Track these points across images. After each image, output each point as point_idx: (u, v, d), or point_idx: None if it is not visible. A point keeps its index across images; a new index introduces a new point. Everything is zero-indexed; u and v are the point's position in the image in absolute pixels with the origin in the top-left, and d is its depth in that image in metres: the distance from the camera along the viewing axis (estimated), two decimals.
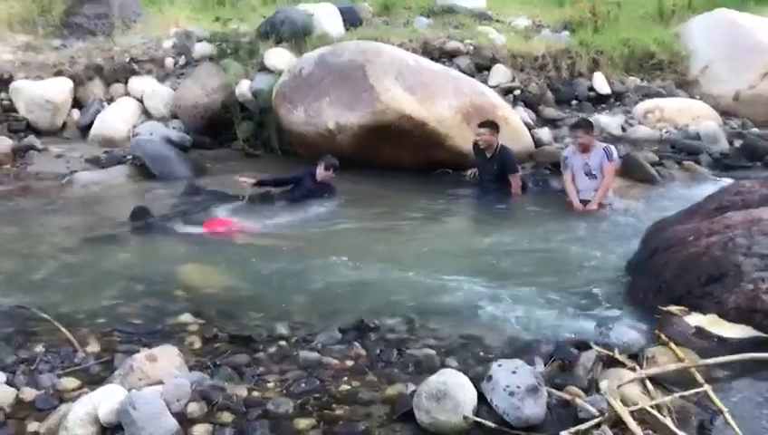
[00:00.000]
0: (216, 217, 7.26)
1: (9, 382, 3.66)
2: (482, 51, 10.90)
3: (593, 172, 7.58)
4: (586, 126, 7.91)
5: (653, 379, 3.53)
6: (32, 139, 9.75)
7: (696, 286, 4.37)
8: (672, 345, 3.84)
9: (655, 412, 3.19)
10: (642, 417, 3.19)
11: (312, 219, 7.42)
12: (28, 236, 6.82)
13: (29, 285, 5.46)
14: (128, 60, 10.73)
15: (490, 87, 10.02)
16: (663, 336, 3.97)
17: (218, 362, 3.99)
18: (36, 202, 7.91)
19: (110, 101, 10.51)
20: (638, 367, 3.62)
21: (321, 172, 7.88)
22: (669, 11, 12.48)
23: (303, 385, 3.69)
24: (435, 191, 8.25)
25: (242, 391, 3.56)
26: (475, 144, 8.29)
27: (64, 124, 10.29)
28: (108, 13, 11.61)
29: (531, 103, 10.32)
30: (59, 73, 10.39)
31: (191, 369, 3.78)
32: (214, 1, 13.48)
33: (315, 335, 4.46)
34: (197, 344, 4.37)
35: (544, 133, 9.67)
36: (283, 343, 4.38)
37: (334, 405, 3.49)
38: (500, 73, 10.61)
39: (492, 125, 8.21)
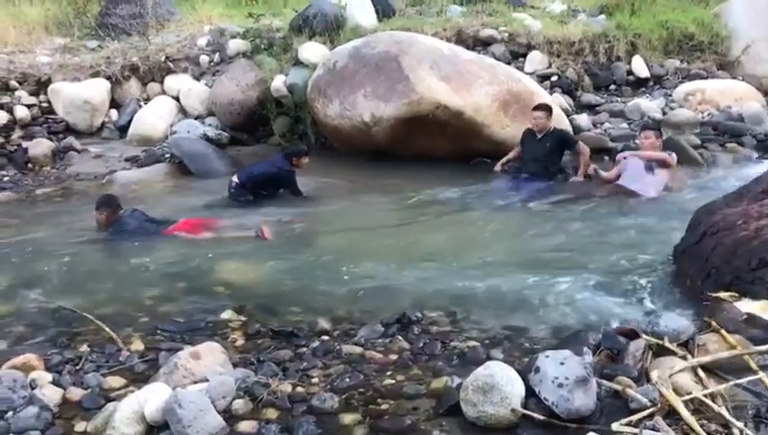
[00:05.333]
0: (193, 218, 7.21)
1: (56, 382, 3.69)
2: (517, 38, 10.78)
3: (653, 168, 7.45)
4: (657, 129, 7.99)
5: (705, 367, 3.43)
6: (71, 140, 9.86)
7: (747, 271, 4.25)
8: (723, 332, 3.74)
9: (709, 401, 3.11)
10: (696, 406, 3.11)
11: (348, 213, 7.42)
12: (70, 238, 6.89)
13: (72, 286, 5.53)
14: (163, 59, 10.78)
15: (526, 74, 9.91)
16: (714, 323, 3.87)
17: (262, 358, 3.99)
18: (77, 203, 8.00)
19: (147, 100, 10.58)
20: (689, 355, 3.53)
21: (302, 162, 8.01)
22: None
23: (348, 380, 3.65)
24: (473, 180, 8.17)
25: (286, 387, 3.54)
26: (528, 129, 8.32)
27: (102, 124, 10.36)
28: (142, 12, 11.68)
29: (568, 89, 10.20)
30: (96, 74, 10.48)
31: (235, 365, 3.77)
32: None
33: (358, 329, 4.46)
34: (240, 341, 4.39)
35: (583, 119, 9.55)
36: (325, 337, 4.37)
37: (379, 400, 3.45)
38: (536, 60, 10.49)
39: (547, 108, 8.29)
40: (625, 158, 7.79)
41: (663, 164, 7.52)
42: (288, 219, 7.17)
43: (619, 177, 7.70)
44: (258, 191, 7.86)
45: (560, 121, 8.88)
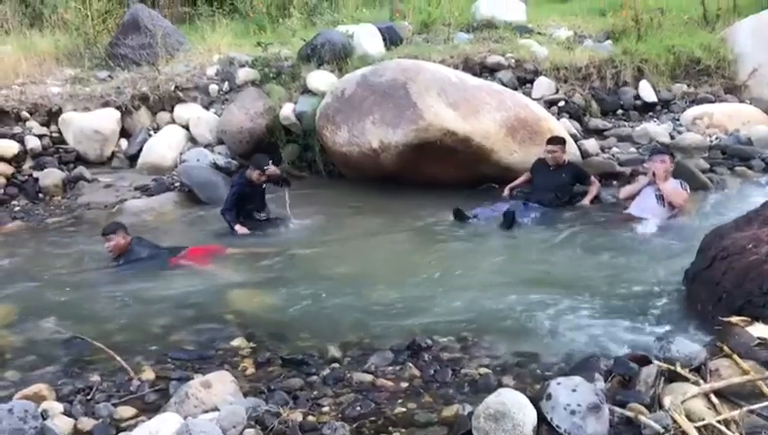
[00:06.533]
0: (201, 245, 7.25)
1: (67, 412, 3.69)
2: (524, 64, 10.83)
3: (665, 200, 7.42)
4: (669, 153, 7.89)
5: (718, 393, 3.41)
6: (81, 169, 9.90)
7: (758, 296, 4.23)
8: (736, 357, 3.72)
9: (722, 428, 3.09)
10: (709, 433, 3.08)
11: (357, 239, 7.43)
12: (80, 267, 6.93)
13: (83, 315, 5.55)
14: (173, 88, 10.85)
15: (534, 100, 9.95)
16: (726, 348, 3.84)
17: (272, 387, 3.98)
18: (87, 232, 8.02)
19: (157, 129, 10.64)
20: (701, 381, 3.51)
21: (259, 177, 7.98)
22: (714, 15, 12.26)
23: (359, 408, 3.65)
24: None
25: (297, 416, 3.52)
26: (541, 159, 8.34)
27: (113, 154, 10.41)
28: (152, 43, 11.75)
29: (576, 114, 10.21)
30: (106, 104, 10.54)
31: (245, 394, 3.77)
32: (254, 27, 13.64)
33: (368, 357, 4.45)
34: (251, 369, 4.39)
35: (591, 144, 9.56)
36: (335, 365, 4.37)
37: (391, 428, 3.44)
38: (543, 86, 10.52)
39: (561, 141, 8.38)
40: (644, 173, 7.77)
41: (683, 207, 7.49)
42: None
43: (635, 196, 7.72)
44: (248, 214, 7.91)
45: (568, 147, 8.89)
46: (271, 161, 8.19)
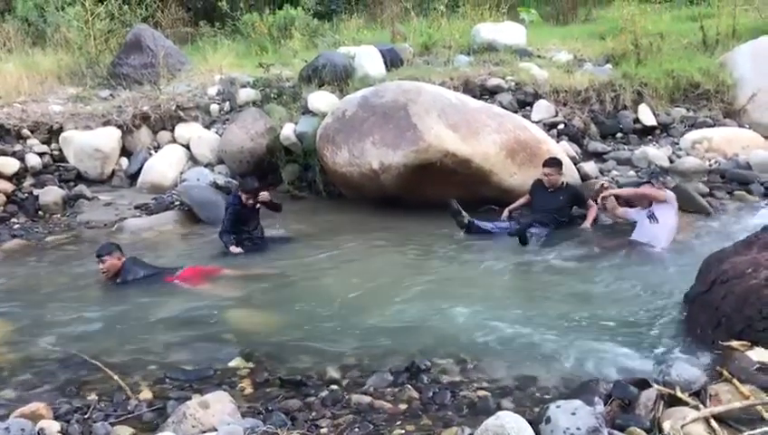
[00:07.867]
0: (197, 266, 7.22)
1: (64, 431, 3.68)
2: (524, 87, 10.87)
3: (656, 216, 7.44)
4: (651, 181, 8.09)
5: (718, 417, 3.40)
6: (81, 188, 9.90)
7: (758, 320, 4.23)
8: (735, 382, 3.72)
9: None
10: None
11: (356, 259, 7.43)
12: (79, 285, 6.91)
13: (81, 334, 5.53)
14: (174, 107, 10.88)
15: (533, 122, 9.98)
16: (726, 373, 3.84)
17: (270, 408, 3.98)
18: (87, 250, 8.00)
19: (158, 148, 10.66)
20: (701, 405, 3.50)
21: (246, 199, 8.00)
22: (713, 40, 12.32)
23: (357, 430, 3.64)
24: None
25: None
26: (539, 180, 8.38)
27: (113, 172, 10.42)
28: (153, 62, 11.81)
29: (575, 137, 10.24)
30: (107, 123, 10.55)
31: (244, 415, 3.76)
32: (256, 47, 13.71)
33: (366, 378, 4.44)
34: (249, 389, 4.38)
35: (590, 167, 9.59)
36: (334, 386, 4.36)
37: None
38: (543, 108, 10.55)
39: (557, 163, 8.38)
40: (605, 187, 8.04)
41: (656, 199, 7.49)
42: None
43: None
44: (241, 235, 7.91)
45: (567, 169, 8.91)
46: (269, 185, 8.21)
